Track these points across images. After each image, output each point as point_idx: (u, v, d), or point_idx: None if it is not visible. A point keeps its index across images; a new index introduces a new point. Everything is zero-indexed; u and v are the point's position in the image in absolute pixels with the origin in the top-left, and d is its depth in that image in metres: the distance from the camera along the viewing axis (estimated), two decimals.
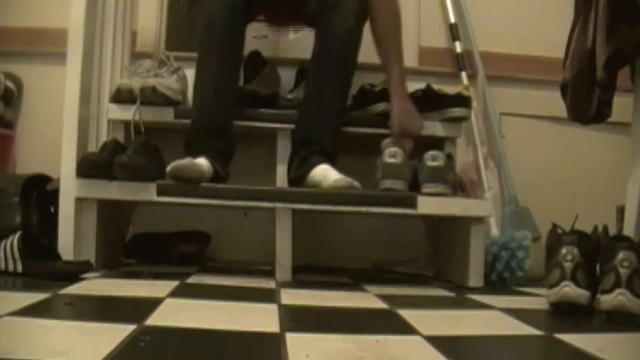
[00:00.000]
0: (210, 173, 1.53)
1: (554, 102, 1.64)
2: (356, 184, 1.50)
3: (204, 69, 1.60)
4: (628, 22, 1.32)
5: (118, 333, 0.83)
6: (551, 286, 1.17)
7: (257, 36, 2.00)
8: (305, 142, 1.62)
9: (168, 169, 1.45)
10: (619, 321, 1.06)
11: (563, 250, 1.17)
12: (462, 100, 1.70)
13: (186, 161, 1.46)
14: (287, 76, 1.90)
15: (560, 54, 1.54)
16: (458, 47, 2.03)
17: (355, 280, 1.58)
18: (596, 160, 2.04)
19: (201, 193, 1.47)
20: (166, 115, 1.66)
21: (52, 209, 1.53)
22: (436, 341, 0.89)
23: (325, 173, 1.53)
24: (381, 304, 1.22)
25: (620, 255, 1.09)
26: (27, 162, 1.90)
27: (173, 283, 1.31)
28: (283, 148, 1.70)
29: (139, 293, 1.20)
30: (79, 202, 1.46)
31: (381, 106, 1.68)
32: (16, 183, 1.54)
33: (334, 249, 1.89)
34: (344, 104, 1.66)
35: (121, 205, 1.58)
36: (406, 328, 0.99)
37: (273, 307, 1.13)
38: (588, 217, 1.30)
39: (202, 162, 1.51)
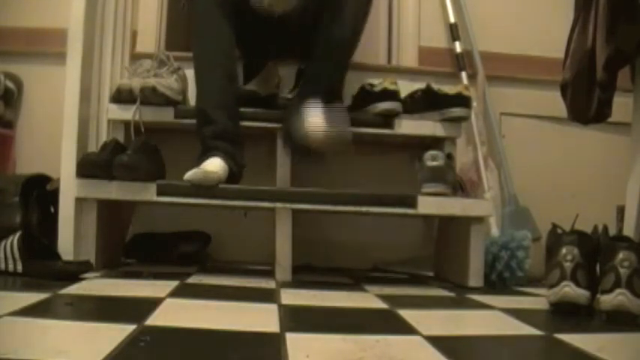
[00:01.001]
0: (226, 173, 1.53)
1: (554, 102, 1.64)
2: (347, 134, 1.52)
3: (203, 59, 1.62)
4: (628, 22, 1.32)
5: (118, 333, 0.83)
6: (551, 286, 1.17)
7: None
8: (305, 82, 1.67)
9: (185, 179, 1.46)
10: (619, 321, 1.06)
11: (563, 250, 1.17)
12: (462, 100, 1.70)
13: (200, 173, 1.46)
14: (287, 76, 1.90)
15: (560, 54, 1.54)
16: (458, 47, 2.03)
17: (355, 280, 1.58)
18: (596, 160, 2.04)
19: (202, 193, 1.47)
20: (166, 115, 1.66)
21: (52, 209, 1.53)
22: (436, 341, 0.89)
23: (316, 123, 1.53)
24: (381, 304, 1.22)
25: (620, 255, 1.09)
26: (27, 162, 1.90)
27: (173, 283, 1.31)
28: (283, 148, 1.70)
29: (139, 293, 1.20)
30: (79, 202, 1.46)
31: (381, 106, 1.68)
32: (16, 183, 1.54)
33: (334, 249, 1.89)
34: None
35: (121, 205, 1.58)
36: (406, 328, 0.99)
37: (273, 307, 1.13)
38: (588, 217, 1.30)
39: (216, 163, 1.52)
